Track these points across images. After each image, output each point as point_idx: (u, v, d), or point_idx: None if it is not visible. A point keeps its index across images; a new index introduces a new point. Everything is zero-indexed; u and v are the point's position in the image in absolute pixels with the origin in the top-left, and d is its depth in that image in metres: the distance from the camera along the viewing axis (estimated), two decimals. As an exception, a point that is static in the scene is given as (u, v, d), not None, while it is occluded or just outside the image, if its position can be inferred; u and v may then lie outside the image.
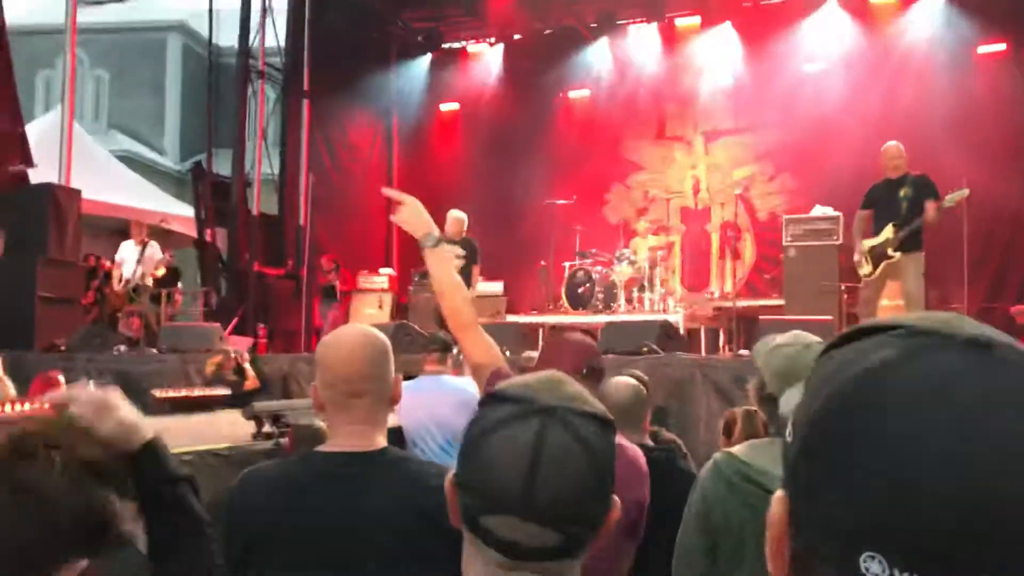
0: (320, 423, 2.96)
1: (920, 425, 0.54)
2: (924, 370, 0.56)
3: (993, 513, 0.51)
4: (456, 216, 9.54)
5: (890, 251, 6.99)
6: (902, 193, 6.94)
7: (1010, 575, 0.50)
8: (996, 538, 0.51)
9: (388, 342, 1.95)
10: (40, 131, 12.49)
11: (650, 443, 3.26)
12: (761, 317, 8.26)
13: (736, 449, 2.15)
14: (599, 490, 1.01)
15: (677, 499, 2.27)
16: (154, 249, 10.83)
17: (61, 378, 5.99)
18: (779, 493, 0.63)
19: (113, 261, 11.18)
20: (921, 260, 7.31)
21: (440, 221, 13.87)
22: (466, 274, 8.94)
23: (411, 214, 2.26)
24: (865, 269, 7.24)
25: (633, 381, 3.19)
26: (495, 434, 0.99)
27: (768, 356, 2.11)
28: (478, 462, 1.00)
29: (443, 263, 2.24)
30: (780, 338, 2.14)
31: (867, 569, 0.53)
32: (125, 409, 1.42)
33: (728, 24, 13.00)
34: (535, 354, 2.70)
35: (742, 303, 10.12)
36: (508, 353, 6.73)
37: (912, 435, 0.54)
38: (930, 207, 6.85)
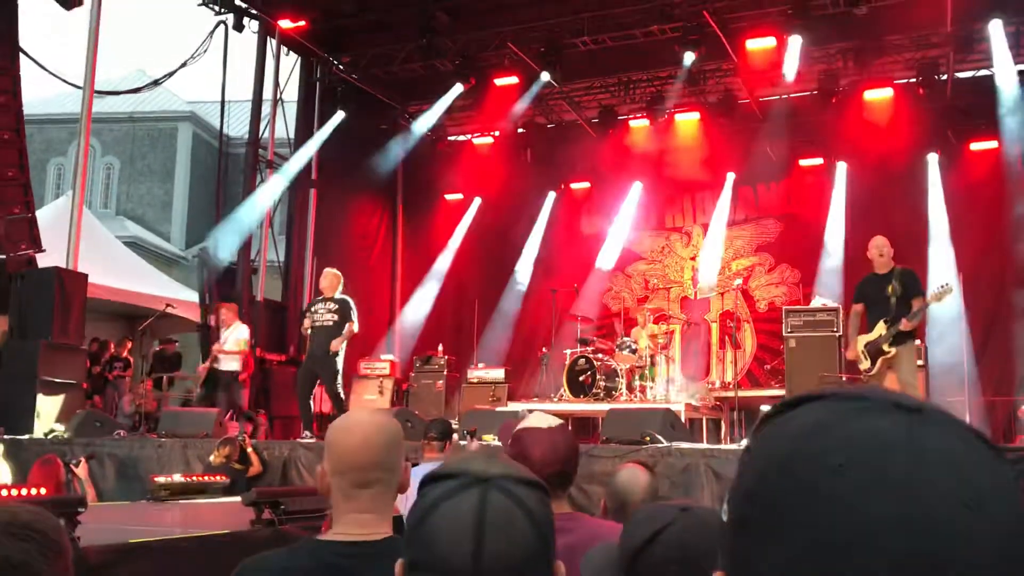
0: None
1: (856, 485, 0.54)
2: (857, 432, 0.57)
3: (929, 570, 0.52)
4: (332, 273, 9.34)
5: (885, 347, 7.10)
6: (890, 290, 7.08)
7: None
8: None
9: (400, 428, 1.92)
10: (50, 216, 12.66)
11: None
12: (763, 408, 8.26)
13: None
14: (543, 553, 1.05)
15: None
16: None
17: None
18: (717, 574, 0.63)
19: (118, 344, 11.16)
20: (914, 348, 7.44)
21: (448, 303, 13.83)
22: (339, 328, 8.88)
23: None
24: (865, 364, 7.31)
25: (646, 474, 3.14)
26: (437, 509, 1.03)
27: None
28: (425, 538, 1.03)
29: None
30: None
31: None
32: None
33: (727, 118, 13.29)
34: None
35: (743, 393, 10.10)
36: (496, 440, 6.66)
37: (848, 495, 0.54)
38: (916, 306, 7.01)
